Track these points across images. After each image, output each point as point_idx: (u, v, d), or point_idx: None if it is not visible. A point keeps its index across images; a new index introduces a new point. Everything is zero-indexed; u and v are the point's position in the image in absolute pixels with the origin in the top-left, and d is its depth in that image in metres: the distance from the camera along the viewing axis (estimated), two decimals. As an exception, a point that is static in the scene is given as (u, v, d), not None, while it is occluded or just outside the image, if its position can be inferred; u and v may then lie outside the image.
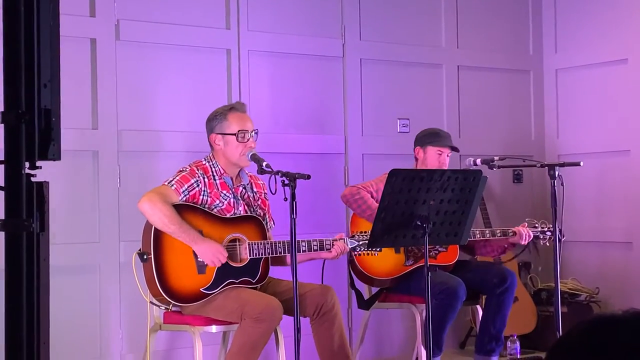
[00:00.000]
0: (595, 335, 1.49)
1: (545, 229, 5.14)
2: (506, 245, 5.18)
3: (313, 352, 4.47)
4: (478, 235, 5.05)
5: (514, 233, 5.07)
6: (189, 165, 4.43)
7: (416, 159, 5.25)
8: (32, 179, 2.61)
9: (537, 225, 5.18)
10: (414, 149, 5.25)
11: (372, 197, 4.97)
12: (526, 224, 5.14)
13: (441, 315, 4.82)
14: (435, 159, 5.15)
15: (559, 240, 4.71)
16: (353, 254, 4.59)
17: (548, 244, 5.18)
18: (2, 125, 2.64)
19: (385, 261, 5.01)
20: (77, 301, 5.02)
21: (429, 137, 5.20)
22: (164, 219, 4.19)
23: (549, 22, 6.87)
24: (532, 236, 5.10)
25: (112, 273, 5.12)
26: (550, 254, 4.95)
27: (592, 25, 6.63)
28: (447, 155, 5.17)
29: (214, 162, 4.45)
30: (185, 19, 5.45)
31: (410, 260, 5.04)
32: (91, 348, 5.09)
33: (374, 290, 5.21)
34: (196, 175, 4.36)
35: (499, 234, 5.08)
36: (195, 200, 4.34)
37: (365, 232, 4.46)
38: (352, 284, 5.11)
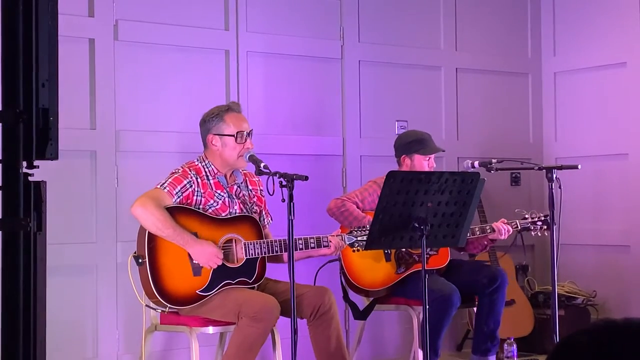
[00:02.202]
0: (602, 340, 1.47)
1: (536, 219, 5.13)
2: (486, 242, 5.19)
3: (310, 353, 4.46)
4: None
5: (492, 229, 5.08)
6: (181, 167, 4.42)
7: (400, 165, 5.16)
8: (30, 179, 2.60)
9: (526, 216, 5.17)
10: (400, 157, 5.15)
11: (357, 207, 4.95)
12: (505, 220, 5.12)
13: (436, 321, 4.79)
14: (424, 166, 5.11)
15: (556, 239, 4.70)
16: (354, 248, 4.56)
17: (540, 234, 5.19)
18: (0, 124, 2.64)
19: (377, 272, 4.98)
20: (73, 301, 5.01)
21: (415, 145, 5.10)
22: (157, 224, 4.18)
23: (547, 25, 6.87)
24: (511, 231, 5.10)
25: (109, 273, 5.11)
26: (548, 257, 4.95)
27: (590, 29, 6.63)
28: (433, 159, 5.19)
29: (207, 162, 4.44)
30: (184, 19, 5.44)
31: (401, 268, 5.01)
32: (87, 348, 5.09)
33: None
34: (189, 176, 4.35)
35: (478, 232, 5.08)
36: (189, 201, 4.33)
37: (362, 227, 4.46)
38: (345, 297, 5.08)
